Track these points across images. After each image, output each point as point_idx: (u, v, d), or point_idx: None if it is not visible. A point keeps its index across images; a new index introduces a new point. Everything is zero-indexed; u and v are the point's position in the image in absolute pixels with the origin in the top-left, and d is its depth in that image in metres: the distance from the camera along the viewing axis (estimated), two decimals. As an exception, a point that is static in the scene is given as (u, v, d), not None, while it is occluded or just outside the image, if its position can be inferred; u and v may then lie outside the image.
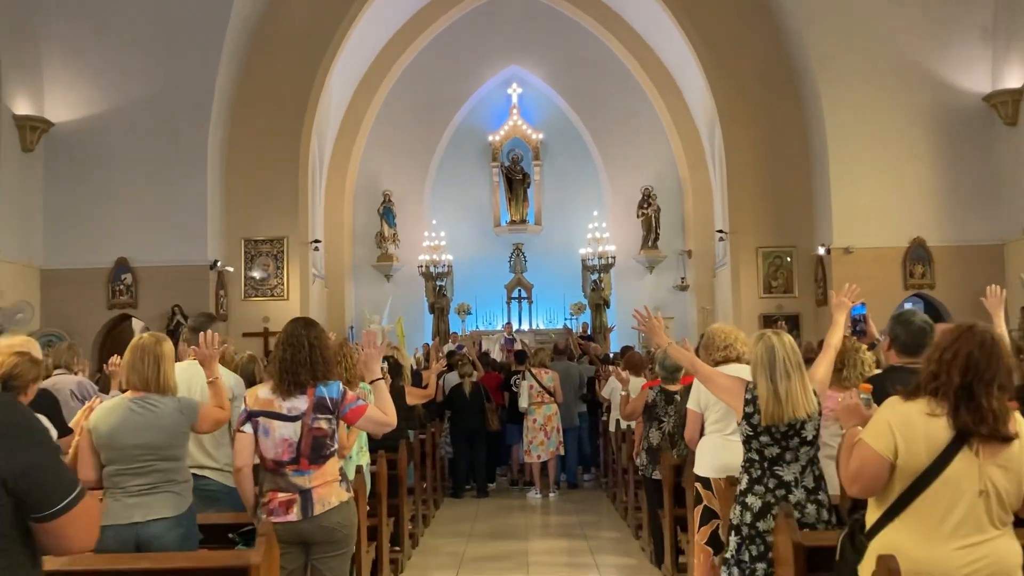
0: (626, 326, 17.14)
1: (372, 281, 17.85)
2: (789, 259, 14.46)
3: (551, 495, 9.50)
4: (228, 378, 4.48)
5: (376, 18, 15.70)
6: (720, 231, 15.44)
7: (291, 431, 3.52)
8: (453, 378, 9.83)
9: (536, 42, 17.82)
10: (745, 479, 3.61)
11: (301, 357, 3.57)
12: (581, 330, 16.43)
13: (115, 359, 5.35)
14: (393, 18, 16.90)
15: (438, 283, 17.23)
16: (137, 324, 12.74)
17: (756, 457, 3.57)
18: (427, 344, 15.61)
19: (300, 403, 3.55)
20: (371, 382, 3.78)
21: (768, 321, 13.71)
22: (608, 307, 17.04)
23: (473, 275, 17.68)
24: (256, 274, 14.24)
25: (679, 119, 17.41)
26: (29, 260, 12.89)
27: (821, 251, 13.73)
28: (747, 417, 3.55)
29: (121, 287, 13.21)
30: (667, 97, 17.34)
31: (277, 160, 14.27)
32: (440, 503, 9.13)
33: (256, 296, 14.16)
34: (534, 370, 9.56)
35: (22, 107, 12.68)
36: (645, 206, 17.63)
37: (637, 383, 8.55)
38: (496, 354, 14.73)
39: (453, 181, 18.29)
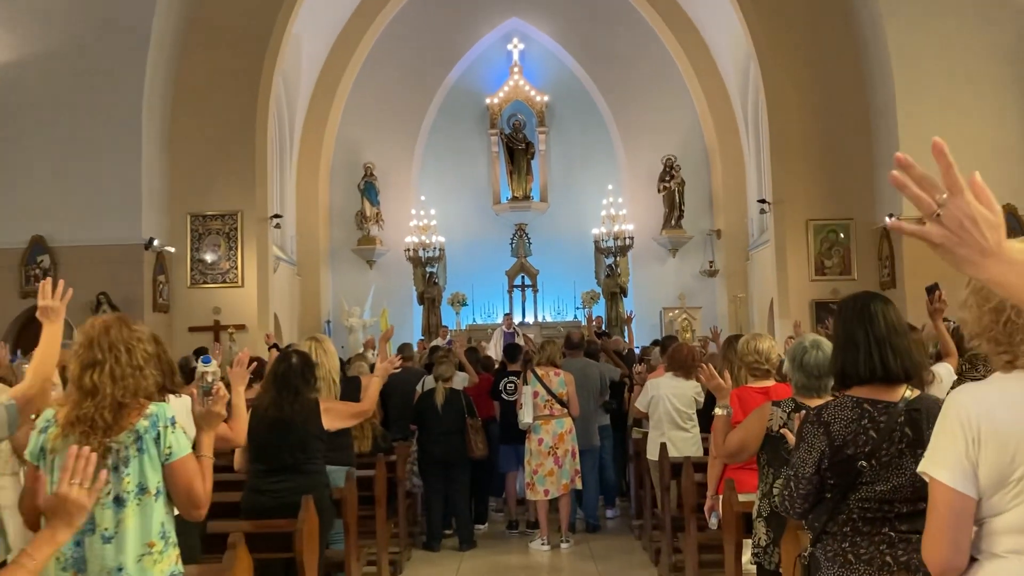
0: (646, 316, 15.15)
1: (352, 267, 16.49)
2: (843, 235, 12.83)
3: (563, 545, 7.07)
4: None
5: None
6: (763, 201, 13.61)
7: None
8: (432, 383, 7.49)
9: (540, -9, 16.58)
10: None
11: None
12: (595, 324, 14.32)
13: None
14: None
15: (428, 269, 15.98)
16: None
17: None
18: (421, 340, 13.65)
19: None
20: None
21: (823, 309, 11.70)
22: (625, 295, 15.91)
23: (469, 260, 16.35)
24: (206, 256, 12.25)
25: (705, 77, 16.01)
26: (-77, 240, 11.12)
27: (888, 222, 11.43)
28: None
29: (37, 271, 11.54)
30: (691, 51, 15.95)
31: (230, 120, 12.61)
32: (403, 565, 6.59)
33: (205, 282, 12.53)
34: (540, 370, 7.16)
35: (-89, 52, 10.68)
36: (667, 179, 16.26)
37: (683, 388, 6.32)
38: (495, 353, 12.46)
39: (445, 151, 16.92)
